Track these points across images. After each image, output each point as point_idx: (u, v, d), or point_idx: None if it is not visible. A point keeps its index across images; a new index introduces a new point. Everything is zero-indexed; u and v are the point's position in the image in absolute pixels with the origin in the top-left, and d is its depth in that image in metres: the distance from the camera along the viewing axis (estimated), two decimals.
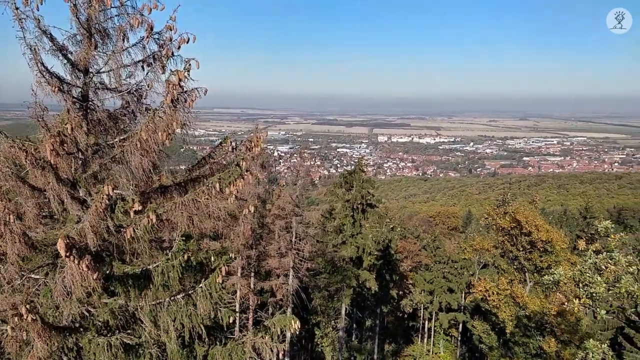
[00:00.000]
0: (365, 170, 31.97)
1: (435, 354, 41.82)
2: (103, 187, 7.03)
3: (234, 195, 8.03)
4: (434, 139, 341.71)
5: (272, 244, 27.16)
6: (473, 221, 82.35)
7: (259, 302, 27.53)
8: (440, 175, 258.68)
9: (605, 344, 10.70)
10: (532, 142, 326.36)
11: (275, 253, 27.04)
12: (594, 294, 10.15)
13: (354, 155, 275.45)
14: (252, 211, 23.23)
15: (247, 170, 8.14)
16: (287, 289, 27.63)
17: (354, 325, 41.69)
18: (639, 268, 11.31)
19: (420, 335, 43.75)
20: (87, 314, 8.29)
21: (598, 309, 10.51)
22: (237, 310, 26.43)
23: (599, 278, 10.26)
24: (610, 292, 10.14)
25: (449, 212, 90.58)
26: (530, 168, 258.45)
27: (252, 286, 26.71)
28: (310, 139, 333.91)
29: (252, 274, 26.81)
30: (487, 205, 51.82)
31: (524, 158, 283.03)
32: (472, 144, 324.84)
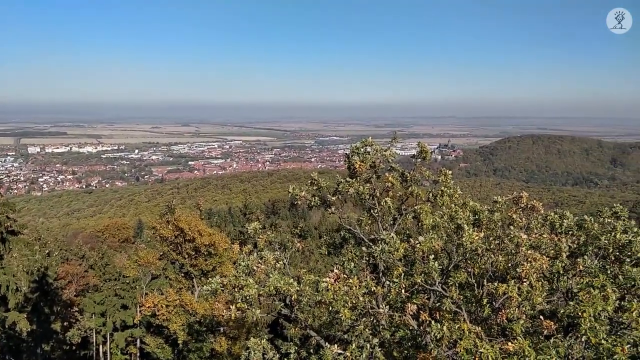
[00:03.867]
0: (1, 192, 26.49)
1: None
2: None
3: None
4: (96, 148, 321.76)
5: None
6: (144, 230, 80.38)
7: None
8: (107, 185, 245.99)
9: (265, 339, 11.23)
10: (196, 146, 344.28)
11: None
12: (248, 297, 10.46)
13: None
14: None
15: None
16: None
17: None
18: (285, 263, 12.37)
19: None
20: None
21: (253, 309, 10.89)
22: None
23: (251, 280, 10.63)
24: (262, 291, 10.60)
25: (118, 223, 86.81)
26: (196, 171, 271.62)
27: None
28: None
29: None
30: (157, 212, 50.77)
31: (190, 162, 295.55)
32: (137, 151, 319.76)
